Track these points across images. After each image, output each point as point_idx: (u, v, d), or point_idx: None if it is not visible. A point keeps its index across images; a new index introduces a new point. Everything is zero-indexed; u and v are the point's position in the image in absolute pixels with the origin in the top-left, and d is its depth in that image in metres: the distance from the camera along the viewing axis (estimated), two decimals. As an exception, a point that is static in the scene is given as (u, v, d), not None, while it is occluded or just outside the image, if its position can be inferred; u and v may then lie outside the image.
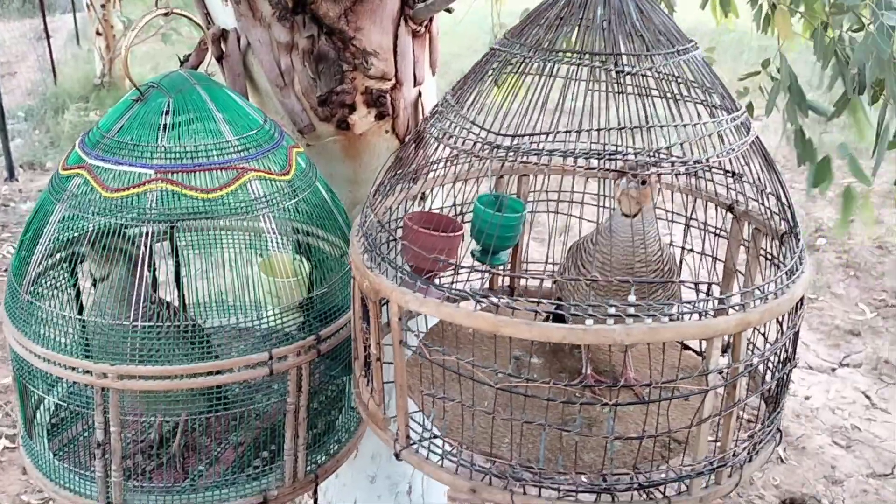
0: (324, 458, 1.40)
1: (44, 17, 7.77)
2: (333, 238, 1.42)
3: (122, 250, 1.26)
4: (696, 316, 1.08)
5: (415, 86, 1.68)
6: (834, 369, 3.76)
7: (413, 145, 1.32)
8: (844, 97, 1.83)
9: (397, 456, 1.17)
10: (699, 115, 1.18)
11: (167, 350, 1.23)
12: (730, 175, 1.30)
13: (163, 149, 1.26)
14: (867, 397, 3.56)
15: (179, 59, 1.49)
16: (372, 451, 1.91)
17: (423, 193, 1.43)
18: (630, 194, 1.22)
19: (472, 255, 1.38)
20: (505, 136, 1.16)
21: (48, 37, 7.77)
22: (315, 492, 2.07)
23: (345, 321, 1.35)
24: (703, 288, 1.34)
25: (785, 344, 1.18)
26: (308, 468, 1.36)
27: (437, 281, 1.36)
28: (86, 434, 1.43)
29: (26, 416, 1.39)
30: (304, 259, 1.39)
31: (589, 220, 1.40)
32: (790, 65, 1.91)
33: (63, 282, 1.39)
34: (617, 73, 1.16)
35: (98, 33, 7.43)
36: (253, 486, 1.33)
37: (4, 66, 7.52)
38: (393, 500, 1.97)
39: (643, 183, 1.23)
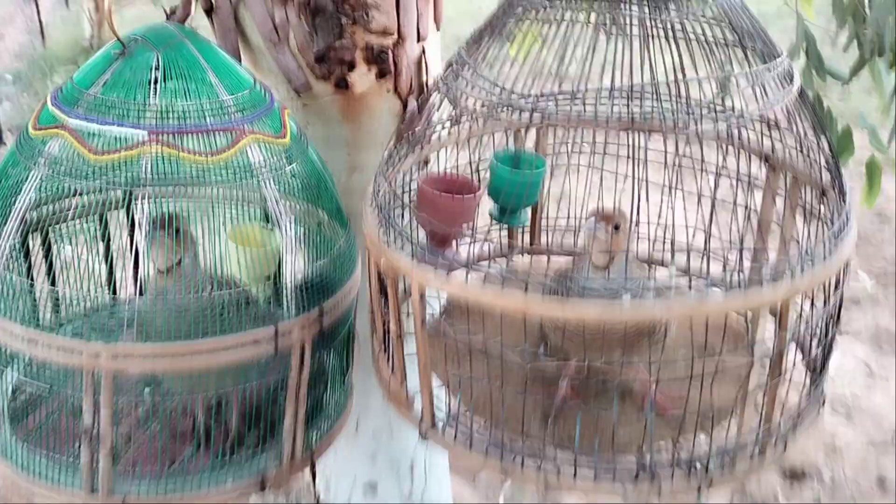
0: (317, 435, 1.33)
1: (31, -22, 7.60)
2: (326, 206, 1.33)
3: (192, 236, 1.20)
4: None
5: (418, 42, 1.58)
6: (833, 338, 3.73)
7: (423, 106, 1.23)
8: (861, 60, 1.75)
9: (423, 437, 1.10)
10: (741, 62, 1.10)
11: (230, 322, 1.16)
12: (766, 123, 1.23)
13: (155, 108, 1.16)
14: (867, 366, 3.54)
15: (165, 12, 1.37)
16: (372, 429, 1.85)
17: (429, 157, 1.35)
18: (598, 237, 1.11)
19: (490, 215, 1.31)
20: (527, 96, 1.07)
21: (36, -1, 7.58)
22: (313, 468, 2.01)
23: (342, 294, 1.27)
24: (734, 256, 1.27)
25: (831, 309, 1.12)
26: (304, 447, 1.28)
27: (454, 246, 1.28)
28: (54, 416, 1.32)
29: None
30: (273, 229, 1.30)
31: (611, 172, 1.31)
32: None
33: (37, 252, 1.30)
34: (650, 18, 1.08)
35: (87, -6, 7.24)
36: (248, 467, 1.25)
37: (-8, 29, 7.37)
38: (394, 478, 1.91)
39: (616, 227, 1.12)
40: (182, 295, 1.18)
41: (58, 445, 1.25)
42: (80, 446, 1.16)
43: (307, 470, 2.31)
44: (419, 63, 1.59)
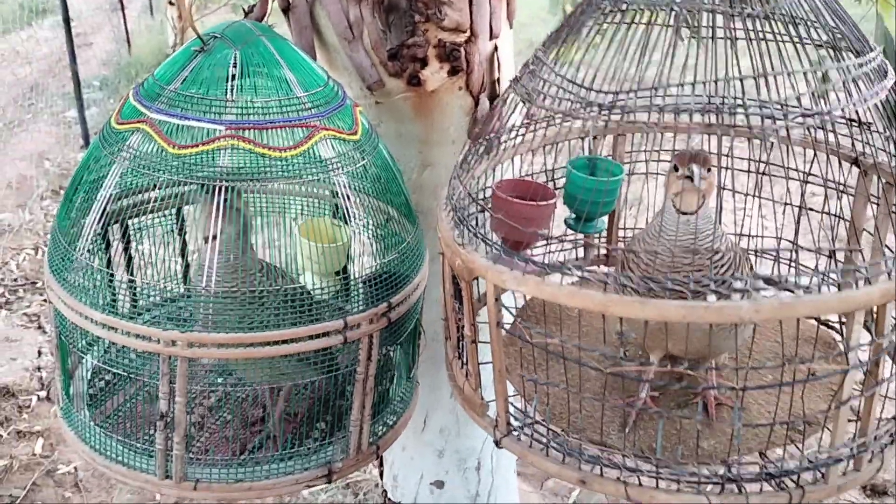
0: (383, 429, 1.34)
1: (119, -12, 7.87)
2: (395, 202, 1.33)
3: (238, 209, 1.19)
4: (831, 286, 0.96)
5: (490, 39, 1.55)
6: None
7: (499, 107, 1.21)
8: None
9: (497, 444, 1.08)
10: (832, 59, 1.04)
11: (272, 317, 1.16)
12: (855, 125, 1.17)
13: (233, 103, 1.17)
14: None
15: (243, 9, 1.38)
16: (440, 425, 1.83)
17: (510, 160, 1.32)
18: (691, 188, 1.08)
19: (566, 222, 1.27)
20: (606, 93, 1.04)
21: (123, 8, 7.87)
22: (381, 465, 2.01)
23: (410, 290, 1.27)
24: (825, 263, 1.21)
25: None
26: (370, 440, 1.29)
27: (528, 252, 1.25)
28: (131, 403, 1.35)
29: (69, 386, 1.32)
30: (342, 224, 1.31)
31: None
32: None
33: (116, 244, 1.32)
34: (734, 15, 1.03)
35: (170, 3, 7.48)
36: (316, 458, 1.26)
37: (81, 37, 7.63)
38: (461, 476, 1.89)
39: (708, 170, 1.09)
40: (221, 267, 1.18)
41: (133, 431, 1.28)
42: (154, 432, 1.18)
43: (375, 467, 2.31)
44: (491, 60, 1.57)
